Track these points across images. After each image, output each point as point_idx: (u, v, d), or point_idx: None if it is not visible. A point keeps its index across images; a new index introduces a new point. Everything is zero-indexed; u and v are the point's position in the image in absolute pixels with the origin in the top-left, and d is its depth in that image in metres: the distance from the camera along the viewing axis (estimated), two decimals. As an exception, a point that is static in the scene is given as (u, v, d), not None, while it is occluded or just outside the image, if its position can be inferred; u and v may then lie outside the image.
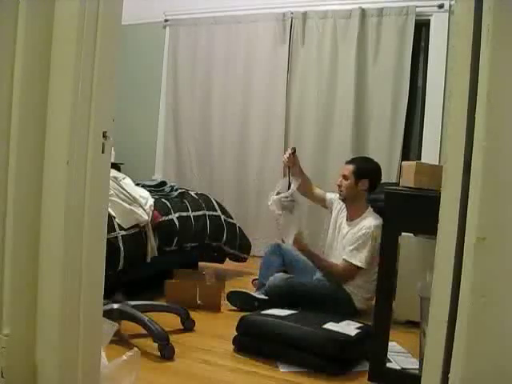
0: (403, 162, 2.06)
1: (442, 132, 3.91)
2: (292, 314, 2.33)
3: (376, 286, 1.96)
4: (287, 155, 3.00)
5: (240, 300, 2.82)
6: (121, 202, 2.72)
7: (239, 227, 3.68)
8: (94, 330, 1.48)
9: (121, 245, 2.61)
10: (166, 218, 3.04)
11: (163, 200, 3.16)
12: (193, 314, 2.51)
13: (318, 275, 2.91)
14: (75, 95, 1.36)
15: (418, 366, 1.91)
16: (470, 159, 1.12)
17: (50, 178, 1.41)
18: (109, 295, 1.98)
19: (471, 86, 1.12)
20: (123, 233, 2.66)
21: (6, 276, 1.39)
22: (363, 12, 4.18)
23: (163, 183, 3.49)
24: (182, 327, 2.44)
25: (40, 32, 1.38)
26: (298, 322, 2.22)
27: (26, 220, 1.41)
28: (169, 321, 2.37)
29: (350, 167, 2.90)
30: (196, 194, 3.56)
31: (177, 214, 3.13)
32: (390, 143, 4.13)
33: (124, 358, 1.60)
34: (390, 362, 2.04)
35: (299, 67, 4.45)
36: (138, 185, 3.15)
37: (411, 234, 2.68)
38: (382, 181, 3.69)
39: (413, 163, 1.87)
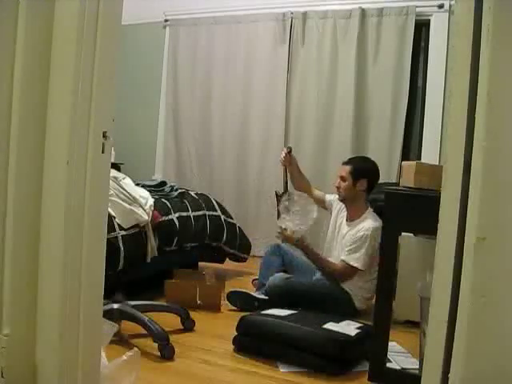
0: (403, 162, 2.06)
1: (442, 132, 3.90)
2: (292, 314, 2.33)
3: (376, 285, 1.96)
4: (283, 154, 2.98)
5: (240, 300, 2.82)
6: (121, 202, 2.72)
7: (239, 227, 3.68)
8: (94, 330, 1.48)
9: (121, 245, 2.61)
10: (166, 218, 3.04)
11: (163, 200, 3.16)
12: (193, 314, 2.51)
13: (318, 275, 2.91)
14: (75, 95, 1.36)
15: (417, 366, 1.91)
16: (470, 159, 1.12)
17: (50, 178, 1.41)
18: (109, 295, 1.98)
19: (471, 86, 1.12)
20: (123, 233, 2.66)
21: (6, 276, 1.39)
22: (363, 12, 4.18)
23: (163, 183, 3.49)
24: (182, 327, 2.44)
25: (40, 32, 1.38)
26: (298, 322, 2.22)
27: (26, 220, 1.41)
28: (169, 321, 2.37)
29: (347, 168, 2.89)
30: (196, 193, 3.56)
31: (177, 214, 3.13)
32: (389, 143, 4.13)
33: (124, 357, 1.60)
34: (389, 361, 2.04)
35: (299, 67, 4.45)
36: (137, 185, 3.15)
37: (411, 234, 2.68)
38: (382, 181, 3.69)
39: (413, 163, 1.87)
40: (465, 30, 1.14)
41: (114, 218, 2.63)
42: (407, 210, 1.83)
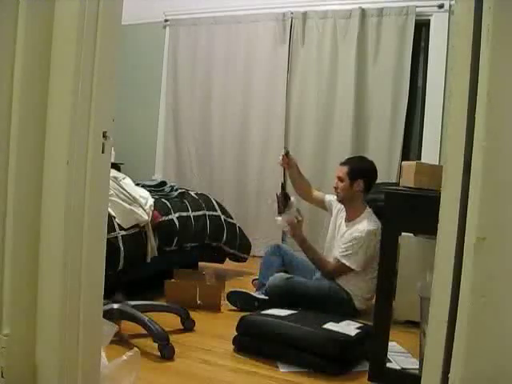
0: (403, 162, 2.06)
1: (442, 132, 3.91)
2: (292, 314, 2.33)
3: (376, 285, 1.96)
4: (280, 157, 2.98)
5: (240, 300, 2.82)
6: (121, 201, 2.72)
7: (239, 227, 3.68)
8: (94, 330, 1.48)
9: (121, 245, 2.61)
10: (166, 218, 3.04)
11: (163, 200, 3.16)
12: (193, 314, 2.51)
13: (318, 275, 2.91)
14: (75, 95, 1.36)
15: (417, 366, 1.91)
16: (470, 159, 1.12)
17: (50, 178, 1.41)
18: (109, 295, 1.98)
19: (471, 86, 1.12)
20: (123, 233, 2.66)
21: (6, 276, 1.39)
22: (363, 12, 4.18)
23: (163, 183, 3.49)
24: (182, 327, 2.44)
25: (40, 32, 1.38)
26: (298, 322, 2.22)
27: (26, 220, 1.41)
28: (169, 321, 2.37)
29: (344, 168, 2.88)
30: (196, 193, 3.56)
31: (177, 214, 3.13)
32: (389, 143, 4.13)
33: (124, 357, 1.60)
34: (389, 361, 2.04)
35: (299, 67, 4.45)
36: (137, 185, 3.15)
37: (411, 234, 2.68)
38: (382, 181, 3.69)
39: (413, 163, 1.87)
40: (465, 30, 1.14)
41: (114, 217, 2.63)
42: (407, 210, 1.83)
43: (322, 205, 3.14)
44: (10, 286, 1.39)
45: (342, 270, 2.77)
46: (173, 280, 2.95)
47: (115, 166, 3.88)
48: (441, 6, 3.98)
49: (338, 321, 2.28)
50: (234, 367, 2.10)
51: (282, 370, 2.06)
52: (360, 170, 2.90)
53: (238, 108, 4.66)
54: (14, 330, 1.39)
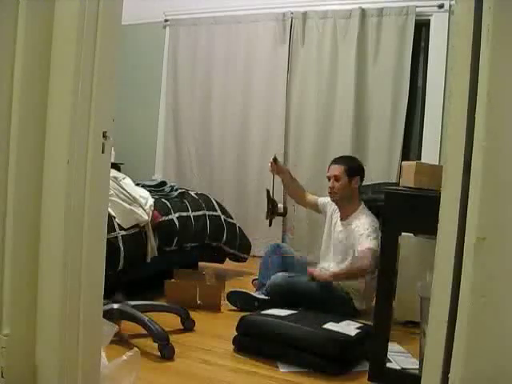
0: (403, 162, 2.06)
1: (442, 132, 3.91)
2: (292, 314, 2.33)
3: (376, 286, 1.96)
4: (269, 164, 3.00)
5: (240, 300, 2.83)
6: (121, 201, 2.72)
7: (239, 227, 3.68)
8: (94, 330, 1.48)
9: (121, 245, 2.61)
10: (166, 218, 3.04)
11: (163, 200, 3.17)
12: (193, 314, 2.51)
13: None
14: (75, 95, 1.36)
15: (417, 366, 1.91)
16: (470, 159, 1.12)
17: (50, 178, 1.41)
18: (109, 295, 1.98)
19: (471, 86, 1.12)
20: (123, 233, 2.66)
21: (6, 276, 1.39)
22: (363, 12, 4.18)
23: (163, 183, 3.49)
24: (182, 327, 2.44)
25: (40, 32, 1.38)
26: (298, 322, 2.22)
27: (26, 220, 1.41)
28: (169, 321, 2.37)
29: (341, 167, 2.87)
30: (196, 193, 3.56)
31: (177, 214, 3.13)
32: (390, 143, 4.13)
33: (124, 357, 1.60)
34: (389, 362, 2.04)
35: (299, 67, 4.45)
36: (137, 185, 3.15)
37: (411, 234, 2.68)
38: (382, 181, 3.70)
39: (413, 163, 1.87)
40: (465, 30, 1.14)
41: (114, 217, 2.63)
42: (407, 210, 1.83)
43: (315, 208, 3.15)
44: (10, 285, 1.39)
45: (375, 255, 2.57)
46: (173, 280, 2.95)
47: (115, 166, 3.88)
48: (441, 6, 3.98)
49: (338, 321, 2.28)
50: (234, 367, 2.10)
51: (281, 370, 2.06)
52: (355, 167, 2.92)
53: (238, 108, 4.66)
54: (14, 329, 1.39)
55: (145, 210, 2.82)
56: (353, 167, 2.90)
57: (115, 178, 2.83)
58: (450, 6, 3.90)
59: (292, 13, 4.45)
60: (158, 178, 4.41)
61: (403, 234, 2.50)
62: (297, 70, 4.46)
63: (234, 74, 4.67)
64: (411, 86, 4.10)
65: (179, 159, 4.96)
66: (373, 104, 4.20)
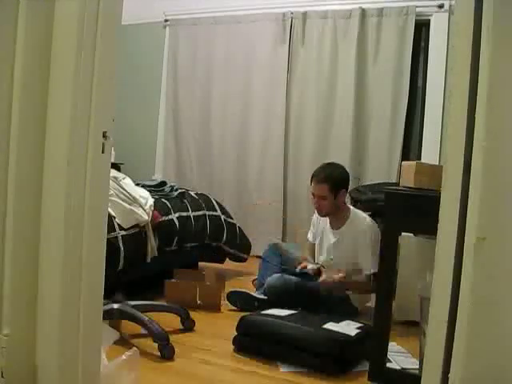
0: (403, 162, 2.06)
1: (442, 132, 3.90)
2: (292, 314, 2.33)
3: (376, 286, 1.96)
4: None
5: (240, 300, 2.82)
6: (121, 201, 2.72)
7: (239, 227, 3.68)
8: (94, 330, 1.48)
9: (121, 245, 2.61)
10: (166, 218, 3.04)
11: (163, 200, 3.16)
12: (193, 314, 2.51)
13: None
14: (75, 95, 1.36)
15: (417, 366, 1.91)
16: (470, 159, 1.12)
17: (49, 178, 1.41)
18: (109, 295, 1.98)
19: (471, 86, 1.12)
20: (123, 233, 2.66)
21: (6, 276, 1.39)
22: (363, 12, 4.18)
23: (163, 183, 3.49)
24: (182, 327, 2.44)
25: (40, 32, 1.38)
26: (298, 322, 2.22)
27: (26, 220, 1.41)
28: (169, 321, 2.37)
29: (324, 186, 2.72)
30: (196, 193, 3.56)
31: (177, 214, 3.13)
32: (390, 143, 4.12)
33: (124, 357, 1.60)
34: (389, 361, 2.04)
35: (299, 67, 4.45)
36: (137, 185, 3.15)
37: (411, 234, 2.68)
38: (382, 181, 3.70)
39: (413, 163, 1.87)
40: (465, 30, 1.14)
41: (114, 217, 2.63)
42: (407, 210, 1.83)
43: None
44: (10, 286, 1.39)
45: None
46: (173, 280, 2.95)
47: (115, 166, 3.88)
48: (441, 6, 3.98)
49: (337, 321, 2.28)
50: (234, 367, 2.10)
51: (282, 370, 2.06)
52: (339, 180, 2.78)
53: (238, 108, 4.66)
54: (14, 329, 1.39)
55: (145, 210, 2.82)
56: (337, 182, 2.75)
57: (115, 177, 2.83)
58: (450, 5, 3.89)
59: (292, 13, 4.45)
60: (158, 177, 4.41)
61: (403, 234, 2.50)
62: (297, 69, 4.46)
63: (234, 74, 4.67)
64: (411, 86, 4.09)
65: (179, 159, 4.96)
66: (373, 104, 4.19)
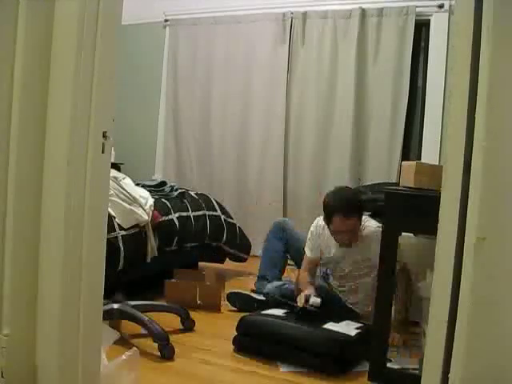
0: (403, 162, 2.06)
1: (442, 132, 3.90)
2: (291, 314, 2.33)
3: (376, 286, 1.96)
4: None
5: (239, 301, 2.83)
6: (121, 201, 2.72)
7: (239, 227, 3.68)
8: (94, 330, 1.48)
9: (121, 245, 2.61)
10: (166, 218, 3.04)
11: (163, 200, 3.16)
12: (193, 314, 2.51)
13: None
14: (75, 95, 1.36)
15: (417, 366, 1.91)
16: (470, 159, 1.12)
17: (49, 178, 1.41)
18: (109, 295, 1.98)
19: (471, 86, 1.12)
20: (123, 233, 2.66)
21: (6, 276, 1.39)
22: (363, 12, 4.18)
23: (163, 183, 3.49)
24: (182, 327, 2.44)
25: (40, 32, 1.38)
26: (298, 321, 2.22)
27: (26, 220, 1.41)
28: (169, 321, 2.37)
29: (355, 218, 2.51)
30: (196, 193, 3.56)
31: (177, 214, 3.13)
32: (390, 143, 4.12)
33: (123, 357, 1.60)
34: (389, 361, 2.04)
35: (299, 67, 4.45)
36: (137, 185, 3.15)
37: (411, 234, 2.68)
38: (382, 181, 3.69)
39: (413, 163, 1.87)
40: (465, 30, 1.14)
41: (114, 217, 2.63)
42: (407, 210, 1.83)
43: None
44: (10, 286, 1.39)
45: None
46: (173, 280, 2.95)
47: (115, 166, 3.88)
48: (441, 6, 3.98)
49: (337, 321, 2.28)
50: (234, 367, 2.10)
51: (282, 370, 2.06)
52: (360, 205, 2.58)
53: (238, 108, 4.66)
54: (14, 329, 1.39)
55: (145, 210, 2.82)
56: (360, 207, 2.54)
57: (115, 177, 2.83)
58: (450, 5, 3.89)
59: (292, 13, 4.45)
60: (158, 177, 4.41)
61: (403, 233, 2.50)
62: (297, 70, 4.46)
63: (234, 74, 4.66)
64: (411, 86, 4.09)
65: (179, 159, 4.96)
66: (373, 104, 4.19)
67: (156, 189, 3.33)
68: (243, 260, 3.69)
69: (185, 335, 2.39)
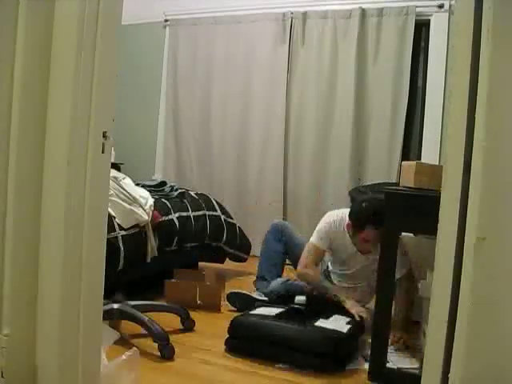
0: (403, 162, 2.06)
1: (442, 132, 3.90)
2: (281, 313, 2.32)
3: (376, 286, 1.96)
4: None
5: (239, 301, 2.82)
6: (121, 201, 2.72)
7: (239, 227, 3.68)
8: (94, 330, 1.48)
9: (121, 245, 2.61)
10: (166, 218, 3.04)
11: (163, 200, 3.16)
12: (193, 314, 2.51)
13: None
14: (75, 95, 1.36)
15: (417, 366, 1.91)
16: (470, 159, 1.12)
17: (49, 178, 1.41)
18: (109, 295, 1.98)
19: (471, 86, 1.12)
20: (123, 233, 2.66)
21: (6, 276, 1.39)
22: (363, 12, 4.18)
23: (163, 183, 3.49)
24: (182, 327, 2.44)
25: (40, 32, 1.38)
26: (289, 321, 2.21)
27: (26, 220, 1.41)
28: (169, 321, 2.37)
29: (377, 231, 2.41)
30: (196, 193, 3.56)
31: (177, 214, 3.13)
32: (390, 143, 4.12)
33: (123, 357, 1.60)
34: (388, 362, 2.04)
35: (299, 67, 4.45)
36: (138, 185, 3.15)
37: (411, 234, 2.68)
38: (382, 181, 3.70)
39: (413, 163, 1.87)
40: (465, 30, 1.14)
41: (114, 217, 2.63)
42: (407, 210, 1.83)
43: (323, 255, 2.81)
44: (10, 286, 1.39)
45: None
46: (173, 280, 2.95)
47: (115, 166, 3.88)
48: (441, 6, 3.98)
49: (326, 317, 2.28)
50: (233, 367, 2.10)
51: (280, 365, 2.06)
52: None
53: (238, 108, 4.66)
54: (14, 329, 1.39)
55: (145, 210, 2.82)
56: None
57: (115, 177, 2.82)
58: (450, 5, 3.90)
59: (292, 13, 4.45)
60: (158, 178, 4.41)
61: (403, 233, 2.50)
62: (297, 70, 4.46)
63: (234, 74, 4.67)
64: (411, 86, 4.10)
65: (179, 159, 4.96)
66: (373, 104, 4.19)
67: (156, 189, 3.33)
68: (243, 260, 3.69)
69: (185, 335, 2.39)
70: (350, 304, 2.48)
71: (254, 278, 3.20)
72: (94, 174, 1.41)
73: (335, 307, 2.47)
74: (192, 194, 3.52)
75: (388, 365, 1.98)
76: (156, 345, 2.10)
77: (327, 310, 2.42)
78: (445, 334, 1.16)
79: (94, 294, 1.47)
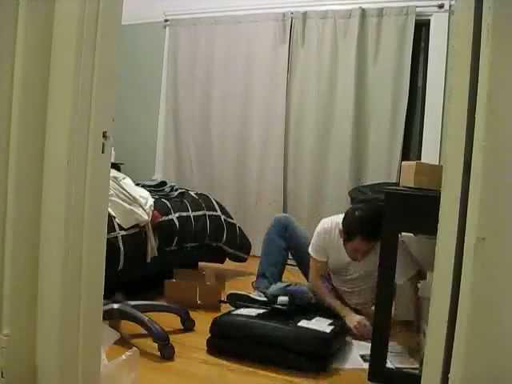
0: (403, 162, 2.05)
1: (442, 132, 3.90)
2: (263, 313, 2.31)
3: (376, 286, 1.96)
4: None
5: (239, 302, 2.82)
6: (121, 201, 2.72)
7: (239, 227, 3.68)
8: (94, 330, 1.48)
9: (121, 245, 2.61)
10: (166, 218, 3.04)
11: (163, 200, 3.16)
12: (193, 314, 2.51)
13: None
14: (75, 95, 1.36)
15: (417, 366, 1.91)
16: (470, 159, 1.12)
17: (49, 178, 1.41)
18: (109, 295, 1.98)
19: (471, 86, 1.12)
20: (123, 233, 2.66)
21: (6, 276, 1.39)
22: (363, 12, 4.18)
23: (163, 183, 3.49)
24: (182, 327, 2.44)
25: (40, 32, 1.38)
26: (272, 320, 2.20)
27: (25, 220, 1.41)
28: (169, 321, 2.37)
29: (374, 245, 2.42)
30: (196, 194, 3.56)
31: (177, 214, 3.13)
32: (389, 143, 4.12)
33: (124, 357, 1.60)
34: (388, 362, 2.04)
35: (299, 67, 4.45)
36: (137, 185, 3.15)
37: (411, 234, 2.68)
38: (382, 181, 3.70)
39: (413, 163, 1.87)
40: (465, 30, 1.14)
41: (114, 217, 2.63)
42: (407, 210, 1.83)
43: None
44: (10, 286, 1.39)
45: None
46: (173, 280, 2.95)
47: (115, 166, 3.88)
48: (441, 6, 3.98)
49: (309, 318, 2.29)
50: (234, 367, 2.10)
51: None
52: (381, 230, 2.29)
53: (238, 108, 4.66)
54: (14, 329, 1.39)
55: (145, 210, 2.82)
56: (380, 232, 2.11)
57: (115, 177, 2.83)
58: (450, 6, 3.90)
59: (292, 13, 4.45)
60: (158, 178, 4.41)
61: (403, 234, 2.50)
62: (297, 70, 4.46)
63: (234, 74, 4.67)
64: (411, 86, 4.09)
65: (179, 159, 4.96)
66: (373, 104, 4.19)
67: (156, 189, 3.34)
68: (243, 260, 3.69)
69: (185, 335, 2.39)
70: (348, 319, 2.49)
71: (254, 278, 3.20)
72: (94, 174, 1.41)
73: (317, 309, 2.49)
74: (192, 193, 3.52)
75: (388, 365, 1.99)
76: (156, 345, 2.10)
77: (310, 311, 2.43)
78: (445, 334, 1.16)
79: (94, 294, 1.47)
